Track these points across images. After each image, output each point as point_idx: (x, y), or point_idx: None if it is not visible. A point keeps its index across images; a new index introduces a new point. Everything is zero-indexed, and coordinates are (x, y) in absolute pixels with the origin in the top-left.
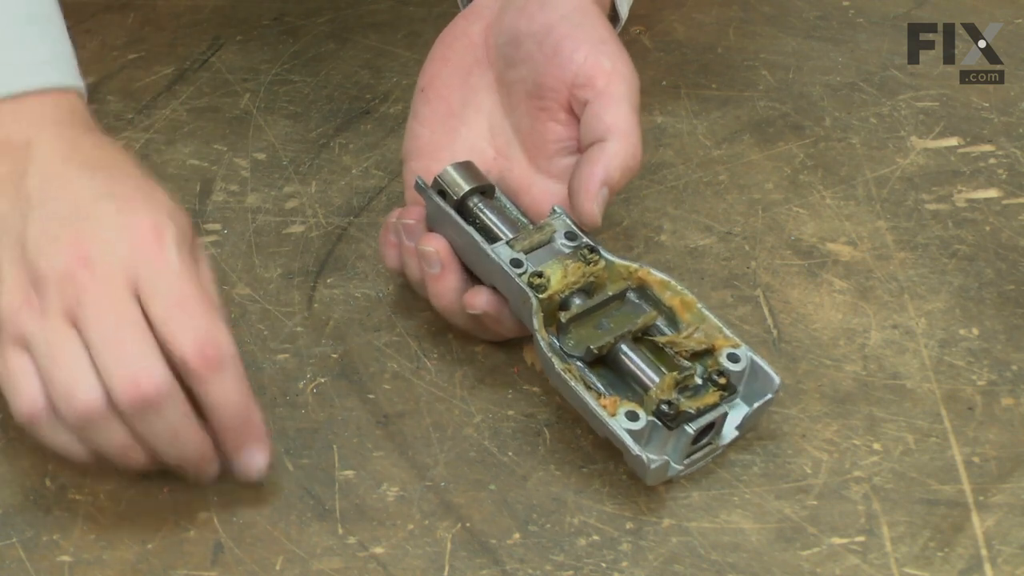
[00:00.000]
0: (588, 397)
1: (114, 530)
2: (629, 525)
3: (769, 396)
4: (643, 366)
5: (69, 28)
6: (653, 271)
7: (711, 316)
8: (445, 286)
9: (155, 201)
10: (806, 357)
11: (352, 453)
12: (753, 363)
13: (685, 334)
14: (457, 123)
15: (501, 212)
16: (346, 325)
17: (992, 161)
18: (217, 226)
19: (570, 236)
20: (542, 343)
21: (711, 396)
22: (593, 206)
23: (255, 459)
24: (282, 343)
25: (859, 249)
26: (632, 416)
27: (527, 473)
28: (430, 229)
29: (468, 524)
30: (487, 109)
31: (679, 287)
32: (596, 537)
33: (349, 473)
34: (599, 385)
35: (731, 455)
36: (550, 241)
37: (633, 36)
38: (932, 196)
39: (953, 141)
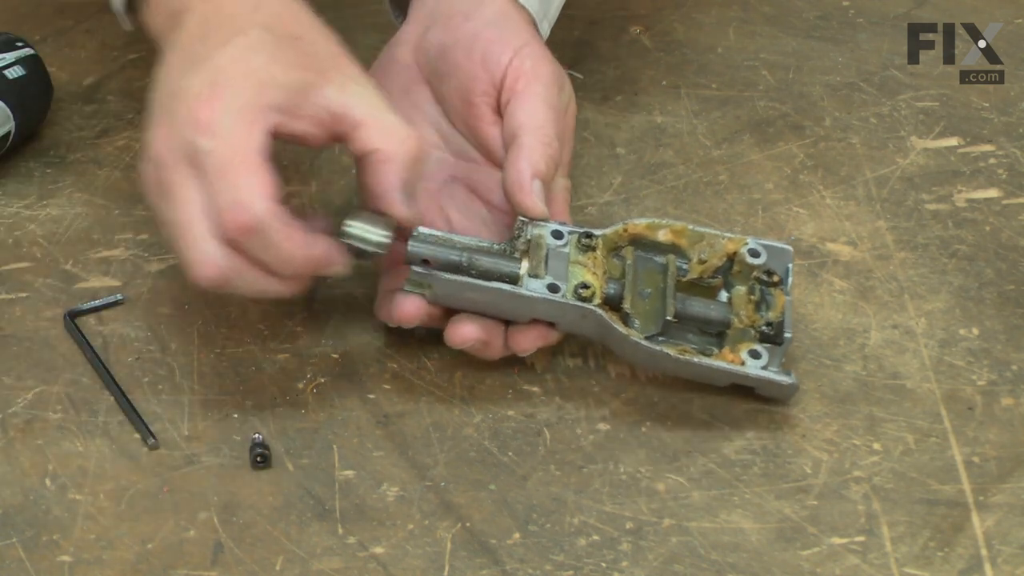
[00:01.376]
0: (718, 363)
1: (114, 530)
2: (629, 525)
3: (791, 264)
4: (707, 308)
5: (68, 29)
6: (635, 221)
7: (703, 229)
8: (495, 349)
9: (250, 69)
10: (806, 357)
11: (352, 453)
12: (766, 247)
13: (698, 260)
14: None
15: (479, 249)
16: (346, 325)
17: (992, 161)
18: None
19: (556, 235)
20: (642, 341)
21: (780, 296)
22: (532, 199)
23: (333, 273)
24: (282, 343)
25: (859, 249)
26: (754, 355)
27: (527, 473)
28: (433, 302)
29: (468, 524)
30: (433, 120)
31: (663, 221)
32: (596, 537)
33: (349, 473)
34: (696, 347)
35: (731, 456)
36: (547, 250)
37: (633, 36)
38: (932, 196)
39: (953, 141)
